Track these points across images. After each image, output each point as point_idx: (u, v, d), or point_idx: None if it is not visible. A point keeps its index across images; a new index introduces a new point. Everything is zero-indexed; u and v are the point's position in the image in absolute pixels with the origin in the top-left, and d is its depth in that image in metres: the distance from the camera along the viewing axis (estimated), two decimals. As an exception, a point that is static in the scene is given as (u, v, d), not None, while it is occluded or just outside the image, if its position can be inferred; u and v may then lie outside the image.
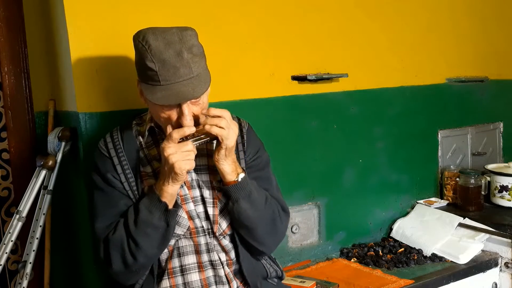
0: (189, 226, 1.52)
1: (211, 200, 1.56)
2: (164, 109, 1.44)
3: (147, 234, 1.44)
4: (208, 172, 1.58)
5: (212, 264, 1.54)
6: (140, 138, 1.59)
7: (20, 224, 1.89)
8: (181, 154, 1.39)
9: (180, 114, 1.43)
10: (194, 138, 1.44)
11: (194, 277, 1.52)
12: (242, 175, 1.52)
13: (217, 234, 1.55)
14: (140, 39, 1.41)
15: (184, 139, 1.42)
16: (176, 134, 1.40)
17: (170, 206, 1.46)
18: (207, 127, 1.42)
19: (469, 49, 2.81)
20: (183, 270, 1.53)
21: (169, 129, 1.45)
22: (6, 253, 1.89)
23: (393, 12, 2.50)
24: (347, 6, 2.35)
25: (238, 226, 1.56)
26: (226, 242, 1.58)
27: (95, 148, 1.61)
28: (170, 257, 1.54)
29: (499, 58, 2.94)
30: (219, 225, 1.55)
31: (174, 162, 1.38)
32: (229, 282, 1.56)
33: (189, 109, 1.43)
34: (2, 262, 1.88)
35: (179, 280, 1.52)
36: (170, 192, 1.44)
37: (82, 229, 1.94)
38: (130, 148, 1.57)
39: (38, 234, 1.90)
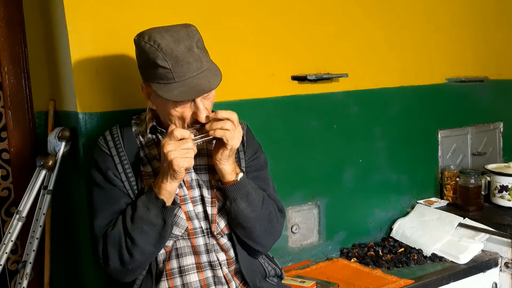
0: (187, 227, 1.52)
1: (210, 199, 1.56)
2: (178, 107, 1.44)
3: (143, 231, 1.44)
4: (208, 171, 1.59)
5: (211, 264, 1.55)
6: (140, 137, 1.59)
7: (20, 224, 1.89)
8: (180, 152, 1.39)
9: (195, 109, 1.44)
10: (195, 137, 1.44)
11: (193, 277, 1.52)
12: (241, 175, 1.52)
13: (215, 233, 1.55)
14: (146, 39, 1.41)
15: None
16: (178, 132, 1.40)
17: (168, 204, 1.46)
18: (211, 132, 1.44)
19: (469, 49, 2.81)
20: (181, 271, 1.53)
21: (172, 127, 1.45)
22: (6, 253, 1.89)
23: (393, 12, 2.50)
24: (347, 6, 2.35)
25: (235, 226, 1.56)
26: (224, 241, 1.58)
27: (94, 146, 1.61)
28: (168, 258, 1.54)
29: (499, 58, 2.94)
30: (217, 224, 1.55)
31: (172, 158, 1.39)
32: (227, 283, 1.56)
33: (203, 104, 1.44)
34: (2, 262, 1.88)
35: (177, 281, 1.52)
36: (168, 189, 1.44)
37: (82, 229, 1.93)
38: (131, 147, 1.57)
39: (38, 234, 1.90)
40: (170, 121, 1.49)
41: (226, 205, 1.53)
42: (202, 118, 1.44)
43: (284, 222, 1.71)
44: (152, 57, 1.40)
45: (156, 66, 1.40)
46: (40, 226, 1.90)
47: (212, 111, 1.50)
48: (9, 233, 1.89)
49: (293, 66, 2.22)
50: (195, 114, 1.45)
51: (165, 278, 1.53)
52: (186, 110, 1.45)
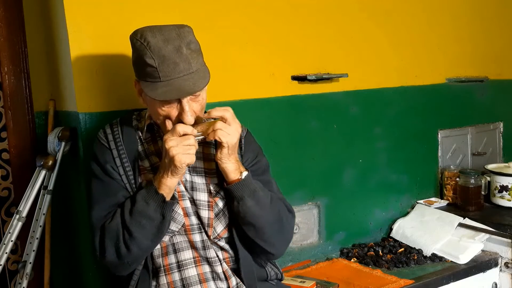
0: (184, 223, 1.52)
1: (206, 203, 1.55)
2: (164, 106, 1.44)
3: (141, 225, 1.44)
4: (204, 175, 1.58)
5: (208, 260, 1.54)
6: (140, 132, 1.60)
7: (20, 224, 1.89)
8: (182, 148, 1.40)
9: (181, 111, 1.44)
10: (196, 134, 1.44)
11: (191, 272, 1.52)
12: (245, 173, 1.52)
13: (211, 237, 1.54)
14: (138, 37, 1.42)
15: None
16: (180, 128, 1.41)
17: (167, 199, 1.46)
18: (206, 138, 1.45)
19: (469, 49, 2.81)
20: (179, 266, 1.53)
21: (168, 123, 1.46)
22: (6, 253, 1.89)
23: (393, 12, 2.50)
24: (347, 6, 2.35)
25: (246, 226, 1.54)
26: (222, 243, 1.58)
27: (94, 140, 1.61)
28: (165, 253, 1.54)
29: (499, 58, 2.94)
30: (214, 229, 1.54)
31: (174, 154, 1.39)
32: (227, 279, 1.56)
33: (189, 106, 1.44)
34: (2, 262, 1.88)
35: (176, 276, 1.53)
36: (168, 184, 1.44)
37: (82, 229, 1.94)
38: (130, 141, 1.57)
39: (38, 234, 1.91)
40: (157, 119, 1.50)
41: (233, 206, 1.51)
42: (186, 119, 1.43)
43: (294, 223, 1.69)
44: (141, 55, 1.41)
45: (144, 64, 1.41)
46: (40, 226, 1.91)
47: (206, 111, 1.50)
48: (9, 233, 1.89)
49: (293, 66, 2.22)
50: (180, 115, 1.44)
51: (163, 274, 1.53)
52: (172, 110, 1.45)
